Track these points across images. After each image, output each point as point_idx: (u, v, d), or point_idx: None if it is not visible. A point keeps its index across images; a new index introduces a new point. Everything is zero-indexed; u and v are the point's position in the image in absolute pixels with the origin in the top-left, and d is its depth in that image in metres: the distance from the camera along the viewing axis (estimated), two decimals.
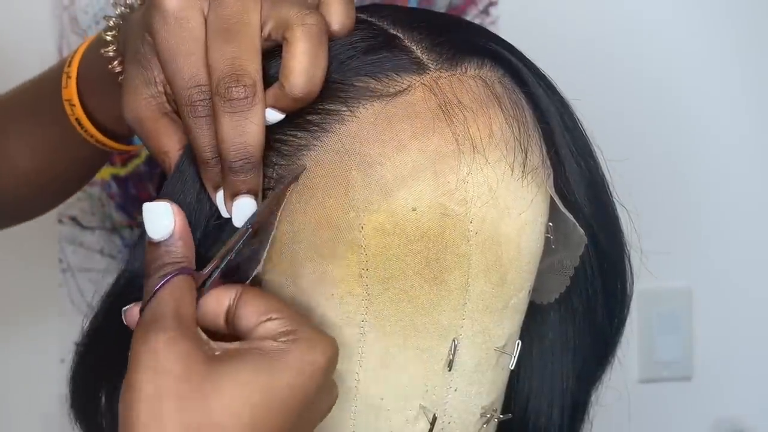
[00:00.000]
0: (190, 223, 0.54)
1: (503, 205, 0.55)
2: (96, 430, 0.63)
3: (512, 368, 0.60)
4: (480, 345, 0.57)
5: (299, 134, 0.54)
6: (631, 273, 0.64)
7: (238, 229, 0.54)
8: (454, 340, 0.56)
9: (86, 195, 1.14)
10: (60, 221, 1.14)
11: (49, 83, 0.71)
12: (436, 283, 0.55)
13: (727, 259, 1.35)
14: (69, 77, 0.68)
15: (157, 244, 0.53)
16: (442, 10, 1.21)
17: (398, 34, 0.56)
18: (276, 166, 0.55)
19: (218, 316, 0.52)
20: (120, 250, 1.16)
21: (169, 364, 0.48)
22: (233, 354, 0.49)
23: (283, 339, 0.50)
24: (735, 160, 1.35)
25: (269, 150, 0.54)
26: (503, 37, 0.60)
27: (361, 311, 0.55)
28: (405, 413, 0.57)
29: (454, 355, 0.57)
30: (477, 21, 1.21)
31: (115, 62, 0.61)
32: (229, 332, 0.52)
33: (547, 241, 0.59)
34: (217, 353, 0.49)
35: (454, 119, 0.54)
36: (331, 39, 0.54)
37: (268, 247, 0.54)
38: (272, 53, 0.54)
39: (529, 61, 0.59)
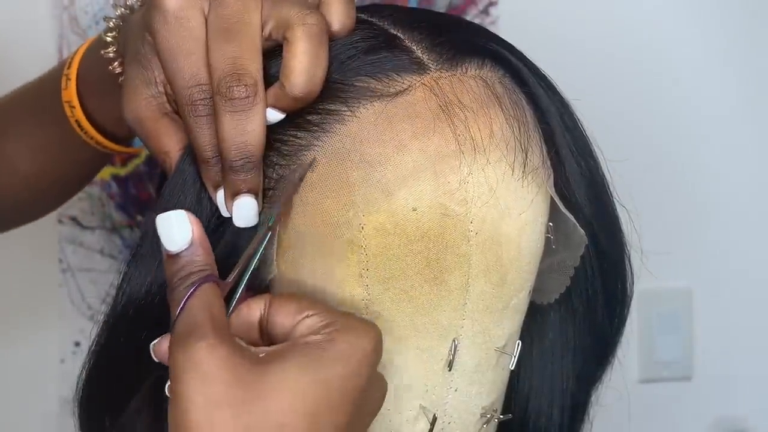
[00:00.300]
0: None
1: (504, 206, 0.55)
2: None
3: (512, 368, 0.60)
4: (480, 345, 0.57)
5: (299, 134, 0.54)
6: (632, 273, 0.64)
7: (245, 231, 0.53)
8: (454, 341, 0.56)
9: (86, 195, 1.14)
10: (60, 221, 1.14)
11: (49, 85, 0.71)
12: (437, 284, 0.55)
13: (727, 260, 1.35)
14: (69, 79, 0.68)
15: (176, 256, 0.51)
16: (442, 10, 1.21)
17: (399, 34, 0.56)
18: (276, 166, 0.55)
19: (253, 329, 0.51)
20: (120, 250, 1.16)
21: (215, 371, 0.46)
22: (279, 353, 0.48)
23: (325, 331, 0.49)
24: (735, 160, 1.35)
25: (269, 150, 0.54)
26: (503, 37, 0.60)
27: (362, 311, 0.55)
28: (405, 413, 0.57)
29: (454, 355, 0.57)
30: (477, 21, 1.21)
31: (116, 63, 0.61)
32: (265, 343, 0.51)
33: (548, 242, 0.59)
34: (261, 355, 0.48)
35: (454, 119, 0.54)
36: (332, 39, 0.54)
37: (275, 247, 0.54)
38: (273, 53, 0.54)
39: (530, 61, 0.59)
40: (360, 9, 0.57)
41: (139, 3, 0.62)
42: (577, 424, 0.68)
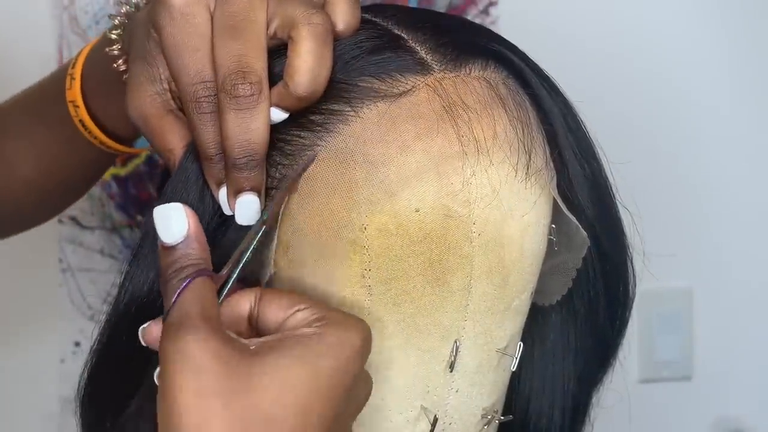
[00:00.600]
0: None
1: (506, 207, 0.55)
2: None
3: (514, 370, 0.60)
4: (482, 346, 0.57)
5: (303, 134, 0.54)
6: (634, 275, 0.64)
7: (247, 229, 0.53)
8: (455, 342, 0.56)
9: (86, 195, 1.13)
10: (60, 221, 1.14)
11: (52, 86, 0.70)
12: (439, 285, 0.55)
13: (727, 260, 1.36)
14: (73, 78, 0.68)
15: (172, 248, 0.52)
16: (443, 10, 1.21)
17: (402, 35, 0.56)
18: (279, 166, 0.55)
19: (240, 321, 0.51)
20: (120, 250, 1.16)
21: (205, 362, 0.47)
22: (270, 345, 0.48)
23: (316, 325, 0.49)
24: (736, 161, 1.35)
25: (273, 149, 0.54)
26: (503, 37, 0.60)
27: (363, 312, 0.55)
28: (406, 414, 0.57)
29: (455, 356, 0.57)
30: (477, 21, 1.21)
31: (120, 60, 0.61)
32: (254, 336, 0.51)
33: (550, 243, 0.59)
34: (252, 347, 0.48)
35: (458, 120, 0.54)
36: (336, 39, 0.54)
37: (273, 246, 0.54)
38: (277, 51, 0.54)
39: (533, 62, 0.59)
40: (363, 9, 0.57)
41: (144, 0, 0.62)
42: (578, 425, 0.68)
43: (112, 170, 1.15)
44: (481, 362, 0.58)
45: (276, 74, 0.54)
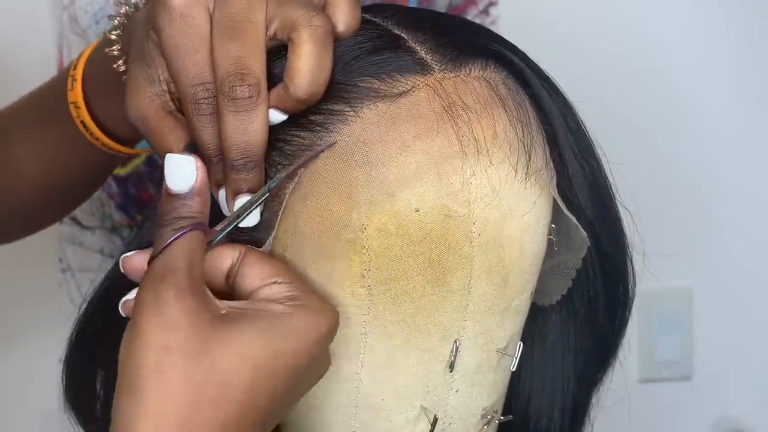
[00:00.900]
0: None
1: (506, 207, 0.55)
2: (91, 418, 0.63)
3: (513, 370, 0.60)
4: (481, 346, 0.57)
5: (302, 134, 0.54)
6: (633, 275, 0.64)
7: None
8: (455, 342, 0.56)
9: None
10: (60, 221, 1.14)
11: (54, 88, 0.71)
12: (439, 285, 0.55)
13: (727, 260, 1.36)
14: (74, 80, 0.68)
15: (174, 196, 0.52)
16: (443, 10, 1.21)
17: (402, 35, 0.56)
18: (279, 166, 0.55)
19: (219, 274, 0.52)
20: (120, 250, 1.16)
21: (178, 318, 0.48)
22: (239, 314, 0.49)
23: (288, 303, 0.50)
24: (736, 161, 1.35)
25: (272, 150, 0.54)
26: (503, 37, 0.60)
27: (363, 312, 0.55)
28: (406, 414, 0.57)
29: (455, 356, 0.57)
30: (477, 21, 1.21)
31: (120, 61, 0.61)
32: (229, 291, 0.52)
33: (550, 243, 0.59)
34: (222, 312, 0.49)
35: (457, 120, 0.54)
36: (337, 40, 0.54)
37: (278, 219, 0.54)
38: (276, 53, 0.54)
39: (533, 62, 0.59)
40: (363, 9, 0.57)
41: (143, 1, 0.61)
42: (578, 425, 0.68)
43: None
44: (480, 362, 0.58)
45: (275, 75, 0.53)
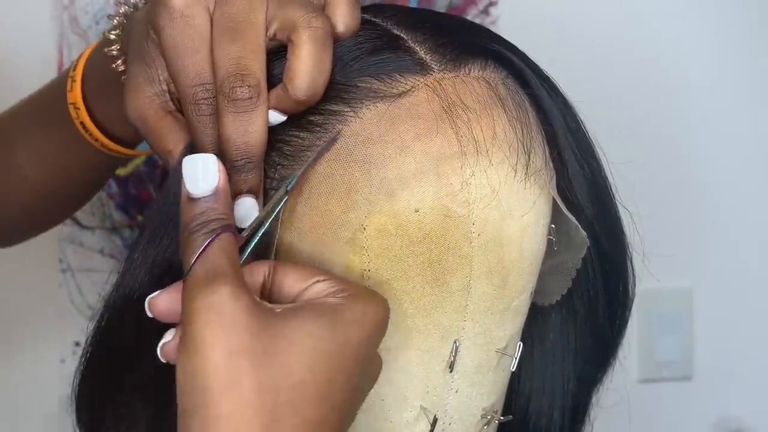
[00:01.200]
0: None
1: (506, 207, 0.55)
2: None
3: (513, 370, 0.60)
4: (481, 346, 0.57)
5: (302, 135, 0.54)
6: (633, 275, 0.64)
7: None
8: (455, 342, 0.56)
9: None
10: None
11: (55, 90, 0.70)
12: (438, 285, 0.55)
13: (727, 260, 1.36)
14: (74, 81, 0.68)
15: (196, 201, 0.49)
16: (443, 10, 1.21)
17: (402, 35, 0.56)
18: (279, 167, 0.55)
19: (254, 291, 0.50)
20: (120, 250, 1.16)
21: (238, 317, 0.45)
22: (297, 309, 0.47)
23: (340, 296, 0.49)
24: (736, 161, 1.35)
25: (272, 150, 0.54)
26: (503, 37, 0.60)
27: None
28: (406, 414, 0.57)
29: (455, 356, 0.57)
30: (477, 21, 1.21)
31: (119, 61, 0.61)
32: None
33: (549, 243, 0.59)
34: (278, 310, 0.47)
35: (457, 121, 0.54)
36: (336, 40, 0.54)
37: (275, 245, 0.54)
38: (276, 53, 0.54)
39: (533, 62, 0.59)
40: (363, 9, 0.57)
41: (143, 0, 0.61)
42: (578, 425, 0.68)
43: None
44: (480, 362, 0.58)
45: (275, 76, 0.54)
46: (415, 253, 0.54)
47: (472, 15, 1.24)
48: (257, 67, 0.52)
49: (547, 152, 0.58)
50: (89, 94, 0.68)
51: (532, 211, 0.56)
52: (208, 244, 0.48)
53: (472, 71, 0.56)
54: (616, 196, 0.62)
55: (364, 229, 0.54)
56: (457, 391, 0.58)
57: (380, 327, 0.49)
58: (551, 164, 0.58)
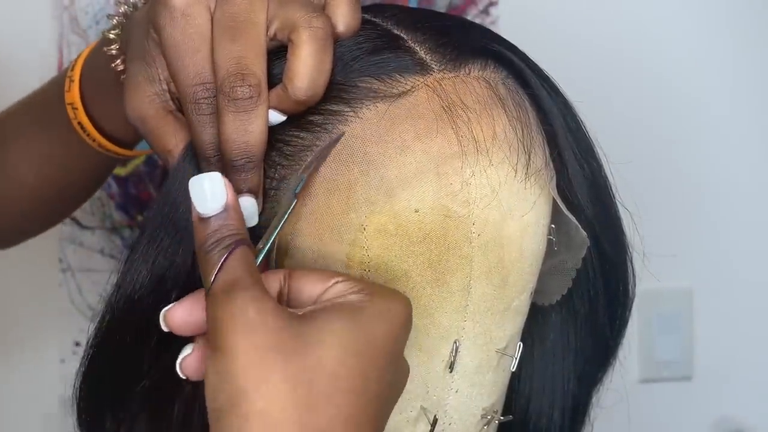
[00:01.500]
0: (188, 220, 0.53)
1: (506, 207, 0.55)
2: None
3: (513, 370, 0.60)
4: (481, 347, 0.57)
5: (302, 134, 0.54)
6: (633, 275, 0.64)
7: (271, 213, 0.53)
8: (455, 342, 0.56)
9: None
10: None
11: (53, 90, 0.70)
12: (438, 285, 0.55)
13: (727, 260, 1.36)
14: (72, 81, 0.68)
15: (208, 219, 0.50)
16: (443, 10, 1.21)
17: (402, 35, 0.56)
18: (279, 166, 0.55)
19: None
20: (120, 250, 1.16)
21: (263, 319, 0.45)
22: (321, 310, 0.48)
23: (361, 294, 0.49)
24: (736, 161, 1.35)
25: (272, 150, 0.54)
26: (503, 37, 0.60)
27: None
28: (406, 414, 0.57)
29: (455, 356, 0.57)
30: (477, 21, 1.21)
31: (118, 60, 0.61)
32: None
33: (550, 243, 0.59)
34: (300, 313, 0.47)
35: (457, 120, 0.54)
36: (337, 40, 0.54)
37: (274, 244, 0.54)
38: (277, 53, 0.54)
39: (533, 62, 0.59)
40: (363, 9, 0.57)
41: (142, 0, 0.61)
42: (578, 425, 0.68)
43: None
44: (480, 362, 0.58)
45: (275, 76, 0.54)
46: (415, 253, 0.54)
47: (472, 15, 1.24)
48: (258, 66, 0.52)
49: (547, 152, 0.58)
50: (87, 94, 0.67)
51: (532, 211, 0.56)
52: (225, 258, 0.48)
53: (472, 71, 0.56)
54: (616, 196, 0.62)
55: (364, 229, 0.54)
56: (457, 391, 0.58)
57: (405, 323, 0.49)
58: (551, 164, 0.58)
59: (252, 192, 0.53)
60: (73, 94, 0.67)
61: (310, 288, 0.50)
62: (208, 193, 0.50)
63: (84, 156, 0.70)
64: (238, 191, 0.53)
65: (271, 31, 0.53)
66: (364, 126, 0.53)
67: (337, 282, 0.50)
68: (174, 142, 0.56)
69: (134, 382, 0.56)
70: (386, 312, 0.48)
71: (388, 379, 0.48)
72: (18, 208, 0.75)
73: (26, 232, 0.82)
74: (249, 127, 0.52)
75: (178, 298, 0.50)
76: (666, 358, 1.36)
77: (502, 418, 0.61)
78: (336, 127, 0.54)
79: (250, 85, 0.52)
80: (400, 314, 0.49)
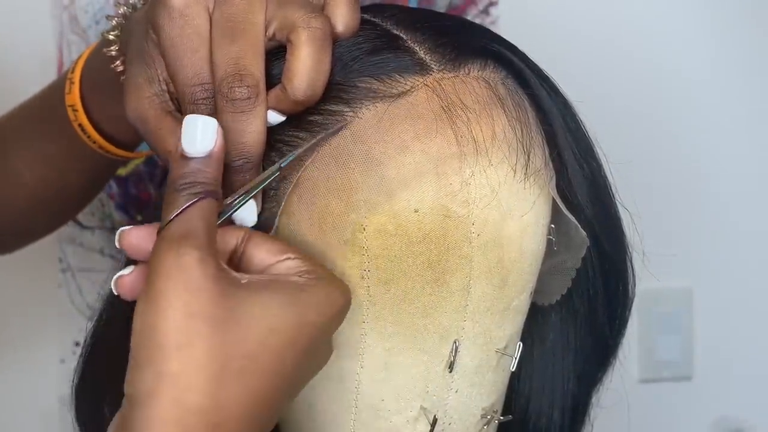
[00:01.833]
0: None
1: (506, 207, 0.55)
2: None
3: (513, 370, 0.60)
4: (481, 346, 0.57)
5: (302, 135, 0.54)
6: (633, 275, 0.64)
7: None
8: (455, 342, 0.56)
9: None
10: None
11: (54, 93, 0.70)
12: (438, 285, 0.55)
13: (727, 260, 1.36)
14: (72, 82, 0.68)
15: (189, 160, 0.50)
16: (443, 10, 1.21)
17: (401, 35, 0.56)
18: (280, 152, 0.55)
19: (223, 256, 0.50)
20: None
21: (202, 283, 0.46)
22: (263, 284, 0.48)
23: (306, 277, 0.49)
24: (736, 161, 1.35)
25: (271, 150, 0.54)
26: (503, 37, 0.60)
27: (362, 312, 0.55)
28: (405, 414, 0.57)
29: (455, 356, 0.57)
30: (477, 21, 1.21)
31: (118, 61, 0.61)
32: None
33: (549, 243, 0.59)
34: (243, 281, 0.48)
35: (456, 121, 0.54)
36: (336, 40, 0.54)
37: (276, 222, 0.54)
38: (275, 53, 0.54)
39: (532, 62, 0.59)
40: (362, 9, 0.57)
41: (141, 1, 0.61)
42: (578, 425, 0.68)
43: None
44: (480, 362, 0.58)
45: (274, 76, 0.53)
46: (414, 253, 0.54)
47: (472, 15, 1.24)
48: (256, 67, 0.52)
49: (547, 152, 0.58)
50: (87, 96, 0.67)
51: (532, 211, 0.56)
52: (189, 206, 0.48)
53: (471, 71, 0.56)
54: (616, 196, 0.62)
55: (364, 229, 0.54)
56: (456, 391, 0.58)
57: (338, 315, 0.50)
58: (551, 164, 0.58)
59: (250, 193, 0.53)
60: (74, 96, 0.67)
61: (262, 256, 0.50)
62: (199, 134, 0.50)
63: (83, 158, 0.70)
64: (236, 191, 0.53)
65: (270, 32, 0.53)
66: (364, 126, 0.53)
67: (288, 258, 0.50)
68: (173, 142, 0.56)
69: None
70: (324, 299, 0.49)
71: (305, 363, 0.49)
72: (18, 213, 0.75)
73: (28, 236, 0.82)
74: (247, 127, 0.52)
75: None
76: (666, 358, 1.36)
77: (501, 417, 0.61)
78: (336, 128, 0.54)
79: (248, 86, 0.52)
80: (336, 304, 0.50)
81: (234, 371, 0.46)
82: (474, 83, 0.55)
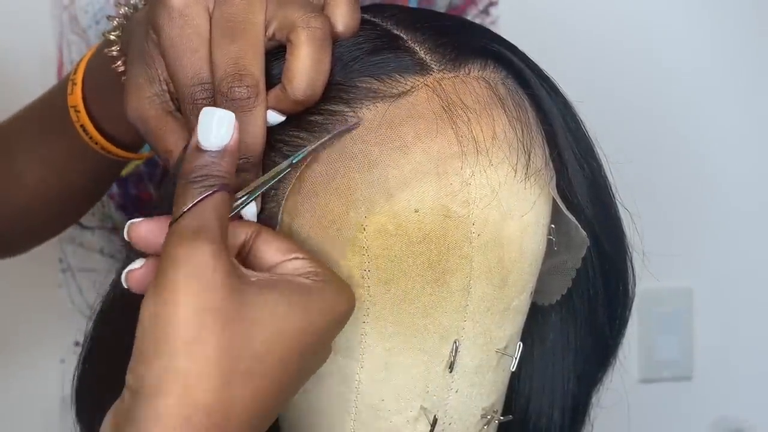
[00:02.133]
0: None
1: (506, 207, 0.55)
2: None
3: (513, 370, 0.60)
4: (481, 346, 0.57)
5: (302, 135, 0.54)
6: (633, 275, 0.64)
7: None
8: (455, 342, 0.56)
9: None
10: None
11: (56, 94, 0.70)
12: (438, 285, 0.55)
13: (727, 260, 1.35)
14: (74, 83, 0.68)
15: (204, 153, 0.49)
16: (443, 10, 1.21)
17: (401, 35, 0.56)
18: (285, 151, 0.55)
19: (232, 250, 0.50)
20: (120, 250, 1.16)
21: (216, 277, 0.45)
22: (272, 283, 0.48)
23: (314, 278, 0.49)
24: (736, 161, 1.35)
25: (271, 150, 0.54)
26: (503, 37, 0.60)
27: (362, 312, 0.55)
28: (405, 414, 0.57)
29: (455, 356, 0.57)
30: (477, 21, 1.21)
31: (119, 62, 0.61)
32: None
33: (549, 243, 0.59)
34: (253, 279, 0.48)
35: (457, 121, 0.54)
36: (336, 40, 0.54)
37: (277, 222, 0.54)
38: (275, 53, 0.54)
39: (533, 62, 0.59)
40: (362, 9, 0.57)
41: (142, 1, 0.62)
42: (578, 425, 0.68)
43: None
44: (480, 362, 0.58)
45: (274, 76, 0.54)
46: (414, 253, 0.54)
47: (472, 15, 1.24)
48: (256, 67, 0.52)
49: (547, 152, 0.58)
50: (89, 97, 0.68)
51: (532, 211, 0.56)
52: (202, 198, 0.48)
53: (471, 71, 0.56)
54: (616, 196, 0.62)
55: (364, 229, 0.54)
56: (457, 391, 0.58)
57: (342, 319, 0.50)
58: (551, 164, 0.58)
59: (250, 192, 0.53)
60: (76, 97, 0.68)
61: (270, 254, 0.50)
62: (215, 127, 0.50)
63: (86, 160, 0.70)
64: (236, 191, 0.53)
65: (270, 32, 0.53)
66: (364, 126, 0.53)
67: (296, 258, 0.50)
68: (174, 142, 0.56)
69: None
70: (330, 304, 0.49)
71: (307, 364, 0.49)
72: (22, 215, 0.75)
73: (31, 238, 0.82)
74: (247, 127, 0.52)
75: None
76: (666, 358, 1.35)
77: (501, 417, 0.61)
78: (336, 127, 0.54)
79: (247, 86, 0.52)
80: (341, 309, 0.50)
81: (241, 372, 0.46)
82: (474, 83, 0.55)
